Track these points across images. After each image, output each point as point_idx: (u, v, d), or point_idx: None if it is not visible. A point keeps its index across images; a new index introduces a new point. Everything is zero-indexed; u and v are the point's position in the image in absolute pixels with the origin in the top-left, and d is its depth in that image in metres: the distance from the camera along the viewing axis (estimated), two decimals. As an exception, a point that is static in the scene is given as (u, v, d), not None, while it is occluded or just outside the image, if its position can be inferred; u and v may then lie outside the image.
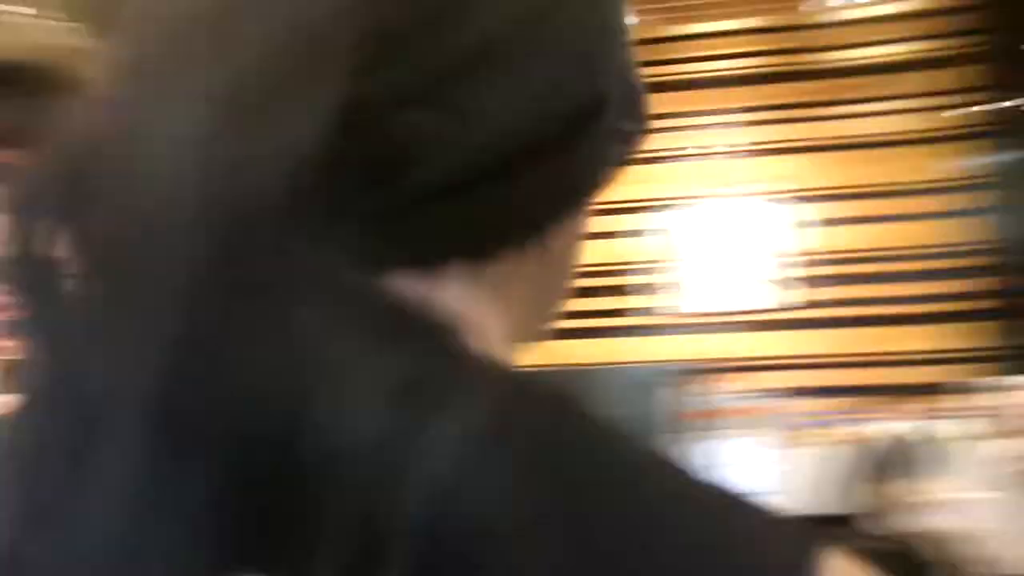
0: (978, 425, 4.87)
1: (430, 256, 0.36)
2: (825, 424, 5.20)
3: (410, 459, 0.29)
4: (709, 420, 5.02)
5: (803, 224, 5.65)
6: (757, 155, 5.81)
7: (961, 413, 5.07)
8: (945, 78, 5.60)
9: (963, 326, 5.31)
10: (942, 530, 4.19)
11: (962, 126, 5.51)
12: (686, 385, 4.86)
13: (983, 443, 4.75)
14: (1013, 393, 4.95)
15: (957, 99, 5.55)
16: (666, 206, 5.85)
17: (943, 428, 4.90)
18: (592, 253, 5.59)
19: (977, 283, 5.34)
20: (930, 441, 4.74)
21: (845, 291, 5.53)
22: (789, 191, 5.70)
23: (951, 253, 5.39)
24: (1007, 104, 5.45)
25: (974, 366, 5.23)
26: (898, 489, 4.54)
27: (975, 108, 5.49)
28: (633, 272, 5.83)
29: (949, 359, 5.29)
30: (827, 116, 5.73)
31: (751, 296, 5.64)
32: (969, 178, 5.46)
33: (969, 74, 5.57)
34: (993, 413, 4.88)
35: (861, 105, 5.71)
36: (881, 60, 5.73)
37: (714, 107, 5.93)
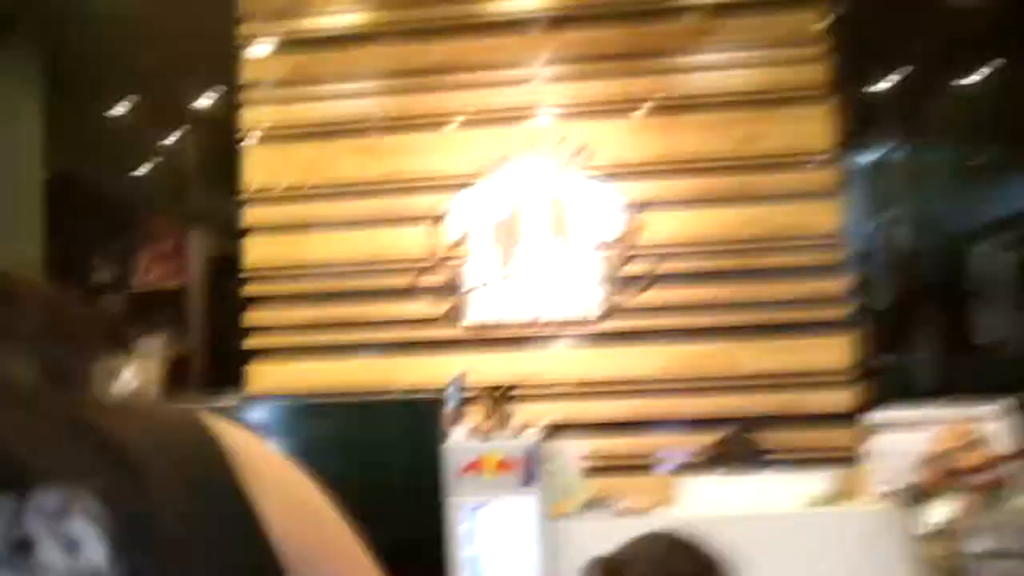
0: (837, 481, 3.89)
1: None
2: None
3: None
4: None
5: (627, 208, 4.45)
6: (566, 118, 4.53)
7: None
8: (794, 25, 4.50)
9: (825, 339, 4.33)
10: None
11: (818, 86, 4.44)
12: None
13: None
14: (897, 431, 4.02)
15: (809, 52, 4.47)
16: (448, 186, 4.50)
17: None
18: (349, 247, 4.03)
19: (840, 284, 4.36)
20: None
21: (684, 294, 4.41)
22: (609, 165, 4.48)
23: (814, 246, 4.37)
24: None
25: (839, 391, 4.28)
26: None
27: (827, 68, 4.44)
28: (405, 271, 4.47)
29: (812, 383, 4.31)
30: (653, 70, 4.52)
31: (565, 302, 4.42)
32: (829, 153, 4.43)
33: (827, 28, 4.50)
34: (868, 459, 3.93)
35: (694, 56, 4.53)
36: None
37: (511, 58, 4.58)
